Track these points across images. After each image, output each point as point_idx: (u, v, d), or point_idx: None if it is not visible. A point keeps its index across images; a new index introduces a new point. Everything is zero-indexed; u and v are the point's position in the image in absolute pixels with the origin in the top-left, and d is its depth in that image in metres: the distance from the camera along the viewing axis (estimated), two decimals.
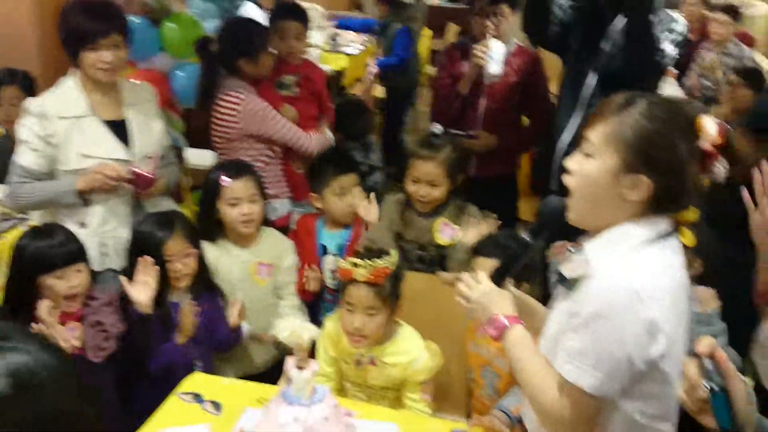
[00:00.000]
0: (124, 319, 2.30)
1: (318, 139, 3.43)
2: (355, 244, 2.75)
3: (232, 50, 3.26)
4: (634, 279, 1.41)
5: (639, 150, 1.43)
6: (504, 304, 1.63)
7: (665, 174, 1.43)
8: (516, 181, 3.69)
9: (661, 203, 1.46)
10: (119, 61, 2.54)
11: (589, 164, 1.48)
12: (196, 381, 2.17)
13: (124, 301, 2.31)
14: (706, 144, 1.43)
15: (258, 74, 3.29)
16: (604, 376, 1.43)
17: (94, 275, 2.52)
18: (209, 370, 2.42)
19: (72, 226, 2.51)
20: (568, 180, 1.53)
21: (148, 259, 2.30)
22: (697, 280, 2.46)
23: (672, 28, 2.81)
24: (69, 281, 2.21)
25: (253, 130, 3.19)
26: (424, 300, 2.43)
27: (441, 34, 8.75)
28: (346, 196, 2.80)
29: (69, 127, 2.52)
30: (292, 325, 1.83)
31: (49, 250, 2.20)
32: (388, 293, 2.16)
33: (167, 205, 2.76)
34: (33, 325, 2.09)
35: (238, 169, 2.69)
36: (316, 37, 6.41)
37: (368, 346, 2.22)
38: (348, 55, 6.53)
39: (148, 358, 2.33)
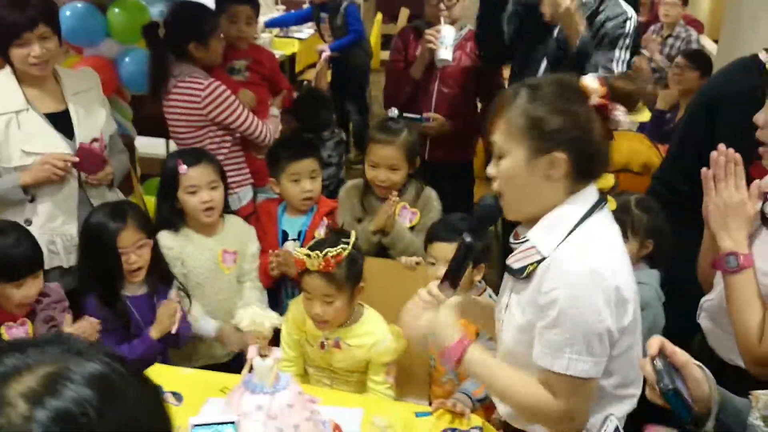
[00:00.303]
0: (74, 315, 2.25)
1: (271, 128, 3.36)
2: (314, 230, 2.73)
3: (181, 35, 3.17)
4: (589, 259, 1.44)
5: (538, 132, 1.46)
6: (449, 331, 1.62)
7: (572, 141, 1.45)
8: (471, 166, 3.69)
9: (583, 170, 1.48)
10: (50, 54, 2.43)
11: (504, 163, 1.51)
12: (157, 372, 2.13)
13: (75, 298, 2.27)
14: (595, 99, 1.45)
15: (208, 60, 3.21)
16: (595, 358, 1.46)
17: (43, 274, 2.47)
18: (167, 362, 2.38)
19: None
20: (494, 186, 1.56)
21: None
22: (648, 259, 2.54)
23: (619, 34, 2.89)
24: (27, 290, 2.13)
25: (215, 116, 3.12)
26: (385, 284, 2.43)
27: (394, 19, 8.74)
28: (301, 182, 2.76)
29: (7, 123, 2.43)
30: (252, 314, 1.80)
31: (10, 255, 2.11)
32: (344, 279, 2.15)
33: (115, 197, 2.70)
34: None
35: (196, 155, 2.63)
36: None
37: (332, 328, 2.22)
38: (299, 39, 6.48)
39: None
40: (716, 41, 5.62)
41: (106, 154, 2.60)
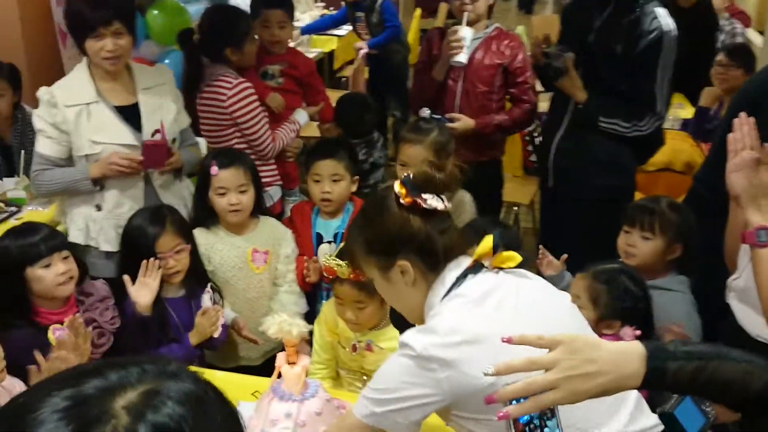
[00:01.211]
0: (119, 315, 2.30)
1: (283, 136, 3.35)
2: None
3: (216, 40, 3.21)
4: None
5: (374, 252, 1.54)
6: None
7: (404, 245, 1.50)
8: (500, 165, 3.62)
9: (432, 262, 1.51)
10: (122, 49, 2.53)
11: (376, 284, 1.60)
12: None
13: (119, 298, 2.31)
14: (401, 201, 1.50)
15: (243, 63, 3.25)
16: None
17: (111, 255, 2.61)
18: (202, 363, 2.42)
19: (89, 209, 2.63)
20: None
21: (155, 262, 2.30)
22: (677, 263, 2.49)
23: (656, 53, 2.78)
24: (56, 268, 2.19)
25: (237, 116, 3.15)
26: None
27: (433, 14, 8.70)
28: (322, 183, 2.77)
29: (78, 114, 2.54)
30: (279, 322, 1.81)
31: (33, 243, 2.18)
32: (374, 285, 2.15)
33: (179, 186, 2.78)
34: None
35: (230, 157, 2.66)
36: (305, 19, 6.37)
37: (364, 331, 2.24)
38: (337, 37, 6.48)
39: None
40: (762, 33, 5.47)
41: (170, 142, 2.66)
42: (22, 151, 3.34)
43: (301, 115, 3.48)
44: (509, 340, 1.14)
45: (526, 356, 1.10)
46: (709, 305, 2.43)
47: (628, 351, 1.11)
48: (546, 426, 1.07)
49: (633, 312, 2.16)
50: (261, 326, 1.88)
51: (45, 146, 2.59)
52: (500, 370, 1.10)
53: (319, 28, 6.27)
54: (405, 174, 1.53)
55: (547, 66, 2.86)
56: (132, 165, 2.54)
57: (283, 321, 1.79)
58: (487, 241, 1.48)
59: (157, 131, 2.60)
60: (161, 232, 2.36)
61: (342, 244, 2.26)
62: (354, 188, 2.86)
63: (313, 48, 6.10)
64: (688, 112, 4.62)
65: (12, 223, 3.01)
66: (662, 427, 1.37)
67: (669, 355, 1.10)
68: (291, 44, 3.84)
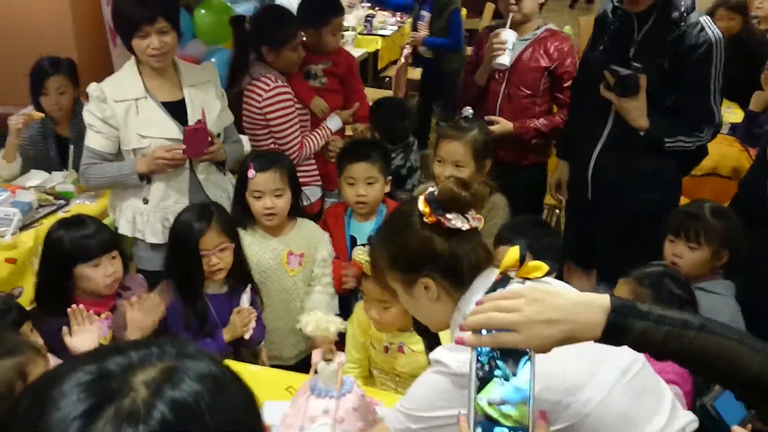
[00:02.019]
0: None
1: (314, 141, 3.36)
2: None
3: (257, 35, 3.26)
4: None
5: (398, 270, 1.53)
6: None
7: (428, 263, 1.48)
8: (543, 169, 3.53)
9: (456, 280, 1.49)
10: (168, 46, 2.59)
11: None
12: None
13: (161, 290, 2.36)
14: (426, 219, 1.48)
15: (279, 66, 3.26)
16: None
17: (157, 247, 2.68)
18: (238, 359, 2.45)
19: (136, 202, 2.72)
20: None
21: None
22: (725, 269, 2.44)
23: (708, 66, 2.63)
24: (105, 269, 2.25)
25: (270, 118, 3.18)
26: None
27: (479, 14, 8.66)
28: (356, 186, 2.79)
29: (126, 109, 2.62)
30: (316, 319, 1.82)
31: (84, 240, 2.24)
32: None
33: (223, 180, 2.84)
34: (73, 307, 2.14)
35: (268, 160, 2.67)
36: (350, 19, 6.40)
37: (391, 331, 2.23)
38: (382, 36, 6.50)
39: None
40: None
41: (212, 132, 2.70)
42: (71, 146, 3.43)
43: (333, 121, 3.47)
44: (479, 301, 1.18)
45: (494, 300, 1.14)
46: (754, 312, 2.38)
47: (590, 303, 1.13)
48: (497, 367, 1.10)
49: None
50: (298, 324, 1.88)
51: (95, 141, 2.67)
52: (475, 310, 1.14)
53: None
54: (430, 190, 1.51)
55: (619, 82, 2.63)
56: (176, 156, 2.59)
57: (320, 318, 1.80)
58: (513, 253, 1.44)
59: (198, 121, 2.65)
60: (206, 229, 2.39)
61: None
62: (388, 189, 2.87)
63: (358, 47, 6.13)
64: (736, 116, 4.51)
65: (60, 216, 3.09)
66: (696, 424, 1.35)
67: (637, 314, 1.12)
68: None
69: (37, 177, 3.37)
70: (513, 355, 1.10)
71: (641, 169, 2.78)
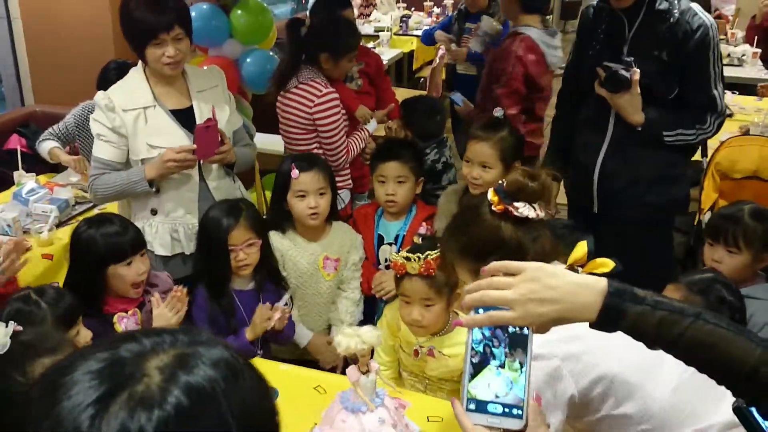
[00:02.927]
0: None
1: (355, 145, 3.33)
2: (412, 235, 2.73)
3: (319, 42, 3.24)
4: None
5: (468, 256, 1.58)
6: None
7: (496, 251, 1.50)
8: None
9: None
10: (182, 54, 2.53)
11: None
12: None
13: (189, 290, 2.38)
14: (494, 208, 1.56)
15: (333, 74, 3.28)
16: None
17: (166, 260, 2.64)
18: (267, 357, 2.46)
19: (145, 213, 2.64)
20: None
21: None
22: (766, 272, 2.39)
23: (707, 49, 2.56)
24: (137, 268, 2.27)
25: (319, 124, 3.16)
26: None
27: None
28: (386, 184, 2.78)
29: (135, 118, 2.55)
30: (349, 341, 1.78)
31: (117, 238, 2.26)
32: (443, 283, 2.15)
33: (232, 187, 2.77)
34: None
35: (309, 161, 2.68)
36: (385, 20, 6.40)
37: (428, 334, 2.22)
38: (417, 37, 6.49)
39: None
40: None
41: (223, 131, 2.64)
42: None
43: (370, 124, 3.47)
44: (483, 271, 1.20)
45: (489, 278, 1.15)
46: None
47: (588, 284, 1.12)
48: (492, 353, 1.11)
49: None
50: (333, 343, 1.84)
51: (104, 150, 2.57)
52: (468, 289, 1.15)
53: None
54: (500, 182, 1.57)
55: (609, 78, 2.58)
56: (187, 157, 2.51)
57: (352, 338, 1.76)
58: (582, 247, 1.48)
59: (208, 119, 2.59)
60: (234, 225, 2.41)
61: (408, 248, 2.25)
62: (419, 190, 2.86)
63: (393, 48, 6.13)
64: None
65: (96, 213, 3.13)
66: None
67: (633, 298, 1.10)
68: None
69: (74, 174, 3.42)
70: (511, 343, 1.11)
71: (650, 171, 2.69)
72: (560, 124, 3.02)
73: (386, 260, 2.83)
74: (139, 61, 2.62)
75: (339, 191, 3.16)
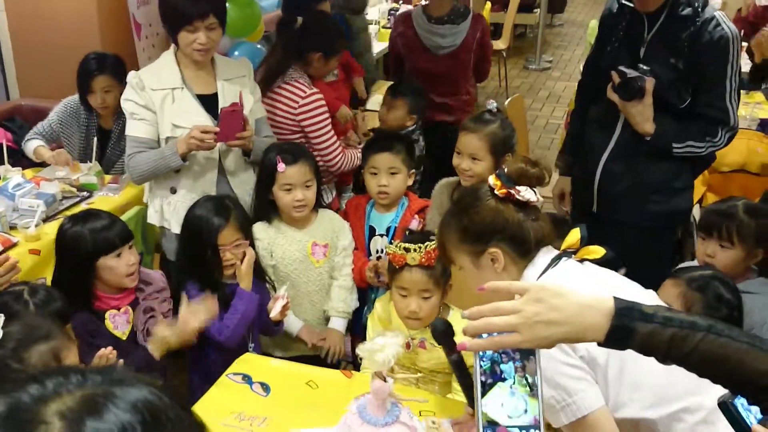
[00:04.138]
0: (174, 306, 2.35)
1: (350, 160, 3.30)
2: (404, 227, 2.73)
3: (312, 41, 3.23)
4: None
5: (468, 240, 1.63)
6: None
7: (497, 234, 1.59)
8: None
9: (521, 251, 1.60)
10: (213, 43, 2.63)
11: (464, 273, 1.68)
12: (247, 362, 2.20)
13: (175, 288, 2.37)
14: (497, 193, 1.61)
15: (319, 73, 3.31)
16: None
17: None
18: (258, 352, 2.45)
19: (165, 192, 2.76)
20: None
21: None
22: (759, 268, 2.40)
23: (724, 62, 2.52)
24: (127, 259, 2.26)
25: (305, 125, 3.14)
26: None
27: (504, 7, 8.60)
28: (378, 176, 2.78)
29: (163, 97, 2.65)
30: (370, 348, 1.73)
31: (104, 231, 2.25)
32: (441, 274, 2.16)
33: (249, 178, 2.82)
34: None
35: (294, 153, 2.67)
36: (373, 13, 6.37)
37: (421, 327, 2.22)
38: None
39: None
40: None
41: (246, 117, 2.71)
42: (95, 138, 3.44)
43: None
44: (482, 289, 1.22)
45: (493, 303, 1.13)
46: None
47: (594, 305, 1.11)
48: (501, 371, 1.10)
49: (727, 320, 2.08)
50: (357, 350, 1.76)
51: (137, 128, 2.68)
52: (471, 314, 1.14)
53: None
54: (502, 167, 1.65)
55: (623, 85, 2.54)
56: (206, 138, 2.56)
57: (376, 349, 1.71)
58: (575, 233, 1.57)
59: (234, 103, 2.64)
60: (224, 225, 2.40)
61: (402, 239, 2.25)
62: (410, 182, 2.86)
63: (381, 41, 6.10)
64: (766, 111, 4.43)
65: (83, 208, 3.10)
66: None
67: (642, 316, 1.09)
68: None
69: (61, 169, 3.39)
70: (519, 357, 1.10)
71: (653, 179, 2.66)
72: (576, 118, 3.02)
73: (377, 251, 2.83)
74: (171, 45, 2.73)
75: (327, 183, 3.18)
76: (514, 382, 1.09)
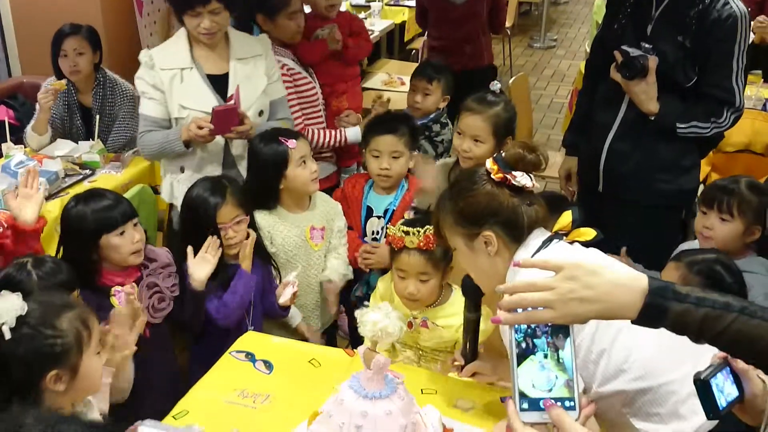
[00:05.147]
0: (180, 283, 2.36)
1: (317, 136, 3.27)
2: (404, 209, 2.72)
3: (254, 4, 3.19)
4: None
5: (463, 222, 1.65)
6: None
7: (491, 217, 1.61)
8: None
9: (514, 234, 1.61)
10: (219, 26, 2.62)
11: (458, 255, 1.71)
12: (249, 340, 2.21)
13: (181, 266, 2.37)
14: (494, 177, 1.62)
15: (279, 36, 3.20)
16: None
17: None
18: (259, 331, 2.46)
19: (175, 170, 2.79)
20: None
21: (216, 240, 2.35)
22: (756, 244, 2.40)
23: (732, 42, 2.49)
24: (131, 237, 2.26)
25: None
26: None
27: None
28: (381, 158, 2.76)
29: (171, 77, 2.65)
30: (373, 322, 1.73)
31: (107, 210, 2.24)
32: (440, 257, 2.15)
33: None
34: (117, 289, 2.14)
35: (288, 133, 2.65)
36: None
37: (421, 307, 2.22)
38: (409, 8, 6.42)
39: (198, 326, 2.41)
40: None
41: (255, 114, 2.72)
42: (97, 115, 3.44)
43: (352, 132, 3.34)
44: (518, 264, 1.28)
45: (528, 279, 1.17)
46: None
47: (628, 284, 1.12)
48: (534, 345, 1.12)
49: None
50: (359, 327, 1.76)
51: (149, 107, 2.71)
52: (506, 289, 1.17)
53: None
54: (500, 152, 1.65)
55: (625, 64, 2.52)
56: (200, 133, 2.57)
57: (380, 323, 1.69)
58: (567, 216, 1.59)
59: (230, 97, 2.63)
60: (222, 202, 2.38)
61: (402, 221, 2.24)
62: (412, 164, 2.84)
63: (384, 19, 6.07)
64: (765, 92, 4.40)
65: (86, 186, 3.10)
66: None
67: (676, 296, 1.11)
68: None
69: (63, 147, 3.39)
70: (553, 332, 1.12)
71: (659, 158, 2.65)
72: (583, 96, 3.00)
73: (373, 233, 2.82)
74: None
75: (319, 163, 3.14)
76: (545, 356, 1.11)
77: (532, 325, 1.13)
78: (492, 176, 1.62)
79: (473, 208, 1.63)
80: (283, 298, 2.47)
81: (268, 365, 2.09)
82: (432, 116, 3.43)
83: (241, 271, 2.41)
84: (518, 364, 1.11)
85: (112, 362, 1.84)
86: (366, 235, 2.85)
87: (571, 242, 1.61)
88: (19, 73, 4.38)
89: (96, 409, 1.69)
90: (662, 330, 1.14)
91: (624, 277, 1.13)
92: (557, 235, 1.61)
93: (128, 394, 1.98)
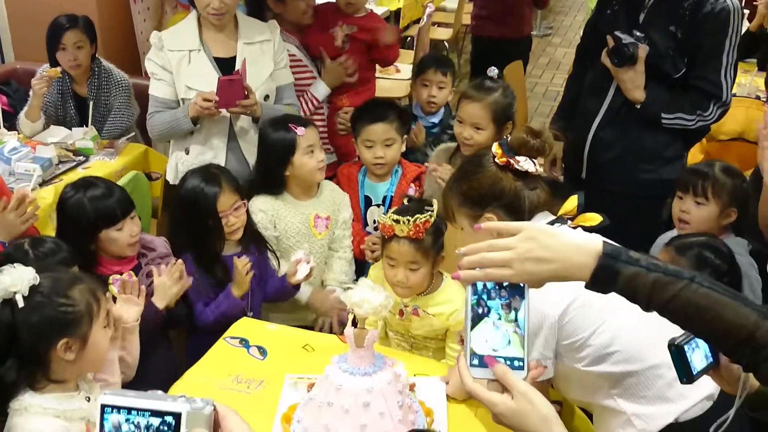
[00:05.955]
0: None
1: (313, 96, 3.19)
2: (400, 196, 2.73)
3: None
4: None
5: (467, 203, 1.71)
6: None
7: (494, 199, 1.66)
8: None
9: (517, 217, 1.63)
10: (228, 7, 2.65)
11: (462, 234, 1.75)
12: (243, 326, 2.22)
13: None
14: (498, 161, 1.66)
15: (288, 17, 3.16)
16: None
17: None
18: (257, 317, 2.46)
19: (180, 152, 2.85)
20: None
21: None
22: (733, 227, 2.43)
23: (722, 35, 2.50)
24: (130, 230, 2.26)
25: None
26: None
27: None
28: (374, 148, 2.76)
29: (180, 59, 2.71)
30: (362, 296, 1.71)
31: (106, 203, 2.23)
32: (430, 246, 2.16)
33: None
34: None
35: (299, 120, 2.65)
36: None
37: (412, 296, 2.23)
38: None
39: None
40: None
41: (260, 97, 2.73)
42: (91, 102, 3.43)
43: (319, 89, 3.23)
44: (479, 228, 1.32)
45: (489, 240, 1.18)
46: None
47: (583, 245, 1.14)
48: (488, 307, 1.15)
49: None
50: (349, 303, 1.73)
51: (157, 88, 2.76)
52: (467, 250, 1.19)
53: None
54: (505, 137, 1.69)
55: (615, 50, 2.52)
56: (206, 105, 2.61)
57: (371, 298, 1.69)
58: (573, 200, 1.61)
59: (236, 72, 2.64)
60: (219, 191, 2.38)
61: (395, 209, 2.25)
62: (404, 149, 2.84)
63: (380, 6, 6.05)
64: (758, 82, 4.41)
65: (79, 172, 3.11)
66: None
67: (628, 259, 1.12)
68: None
69: (57, 133, 3.38)
70: (507, 293, 1.15)
71: (644, 148, 2.65)
72: (573, 82, 3.01)
73: (375, 222, 2.83)
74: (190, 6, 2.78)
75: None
76: (499, 318, 1.14)
77: (488, 287, 1.15)
78: (496, 160, 1.67)
79: (477, 190, 1.69)
80: (300, 275, 2.44)
81: (262, 351, 2.10)
82: (442, 114, 3.31)
83: (229, 292, 2.40)
84: (473, 323, 1.14)
85: (116, 342, 1.86)
86: (367, 225, 2.86)
87: (576, 227, 1.61)
88: (12, 59, 4.36)
89: (98, 387, 1.71)
90: (650, 315, 1.15)
91: (580, 239, 1.16)
92: (561, 219, 1.62)
93: (134, 372, 1.98)
